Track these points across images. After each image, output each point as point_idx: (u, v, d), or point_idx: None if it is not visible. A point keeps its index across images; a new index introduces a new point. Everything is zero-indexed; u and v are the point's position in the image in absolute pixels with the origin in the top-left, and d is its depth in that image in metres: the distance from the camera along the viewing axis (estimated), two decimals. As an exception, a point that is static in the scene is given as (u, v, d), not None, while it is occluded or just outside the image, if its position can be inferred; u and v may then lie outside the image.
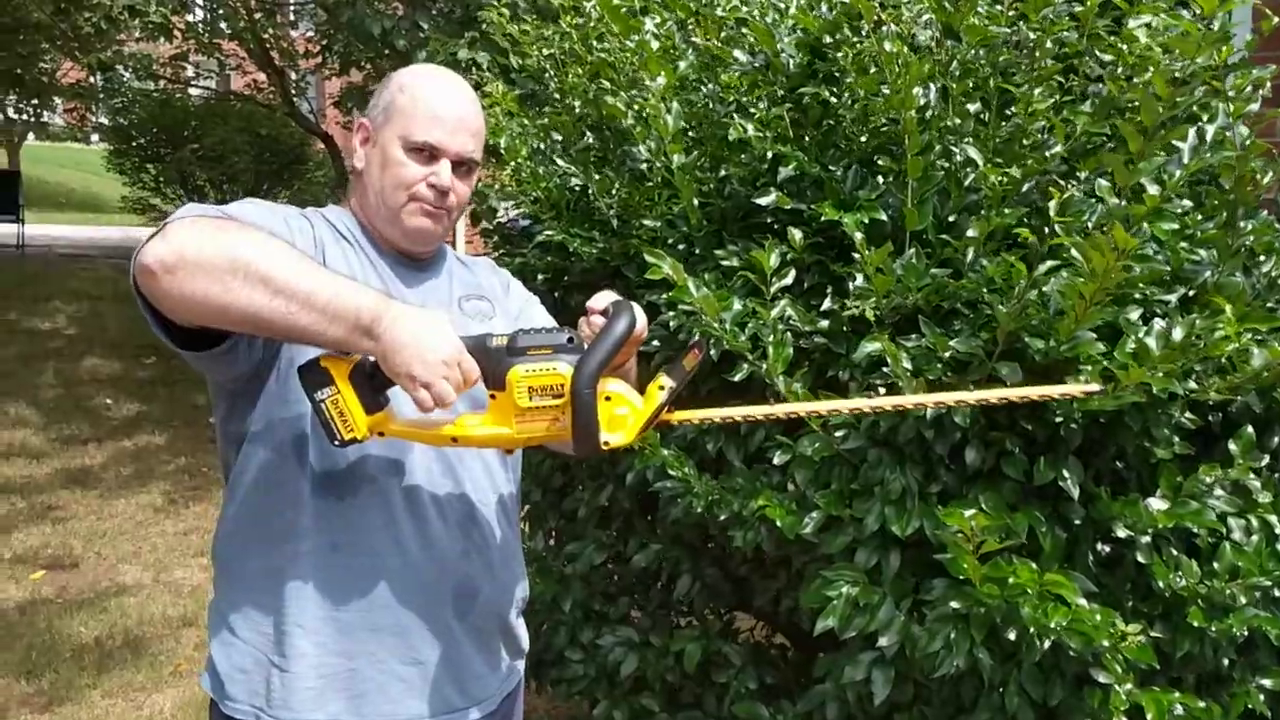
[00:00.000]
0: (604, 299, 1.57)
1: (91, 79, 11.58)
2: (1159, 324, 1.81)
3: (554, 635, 2.58)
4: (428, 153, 1.63)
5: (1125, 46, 1.98)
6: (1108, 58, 2.11)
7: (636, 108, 2.19)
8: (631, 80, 2.28)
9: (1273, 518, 1.93)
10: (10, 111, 15.53)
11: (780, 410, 1.64)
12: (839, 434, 1.92)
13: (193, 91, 12.13)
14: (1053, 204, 1.63)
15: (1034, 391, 1.58)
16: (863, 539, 1.88)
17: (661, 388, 1.51)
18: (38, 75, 11.22)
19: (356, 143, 1.69)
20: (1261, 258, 2.14)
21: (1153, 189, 1.76)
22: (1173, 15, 1.93)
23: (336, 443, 1.47)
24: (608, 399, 1.47)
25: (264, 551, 1.60)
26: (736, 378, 1.93)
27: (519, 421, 1.47)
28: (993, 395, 1.57)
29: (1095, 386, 1.62)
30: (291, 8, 8.64)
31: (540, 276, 2.55)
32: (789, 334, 1.93)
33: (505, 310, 1.81)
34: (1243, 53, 2.21)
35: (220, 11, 8.77)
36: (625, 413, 1.50)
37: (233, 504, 1.65)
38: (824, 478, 1.95)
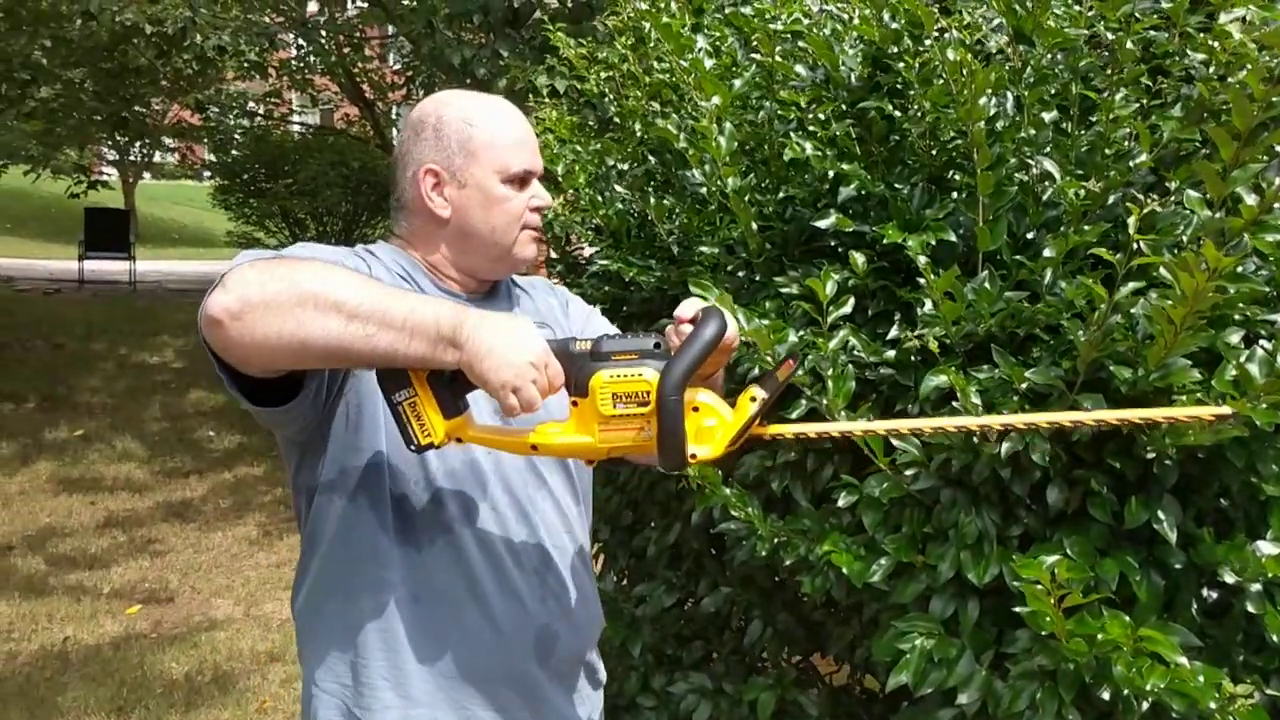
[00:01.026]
0: (692, 306, 1.50)
1: (195, 118, 11.94)
2: (1264, 347, 1.64)
3: (626, 681, 2.48)
4: (521, 179, 1.63)
5: (1217, 43, 1.81)
6: (1200, 57, 1.94)
7: (689, 129, 2.08)
8: (688, 101, 2.18)
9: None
10: (120, 152, 16.14)
11: (880, 427, 1.57)
12: (909, 473, 1.78)
13: (292, 127, 12.42)
14: (1131, 220, 1.47)
15: (1158, 413, 1.43)
16: (937, 587, 1.74)
17: (753, 399, 1.44)
18: (142, 117, 11.62)
19: (426, 190, 1.61)
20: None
21: (1250, 199, 1.59)
22: (1267, 7, 1.75)
23: (413, 447, 1.42)
24: (695, 409, 1.40)
25: (345, 604, 1.58)
26: (794, 414, 1.81)
27: (602, 430, 1.40)
28: (1111, 416, 1.45)
29: (1227, 410, 1.45)
30: (378, 41, 8.76)
31: (598, 307, 2.46)
32: (850, 366, 1.80)
33: (567, 331, 1.76)
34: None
35: (312, 48, 8.95)
36: (714, 424, 1.42)
37: (313, 557, 1.62)
38: (894, 520, 1.81)
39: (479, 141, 1.60)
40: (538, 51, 6.13)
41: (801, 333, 1.87)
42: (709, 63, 2.11)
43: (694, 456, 1.40)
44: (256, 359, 1.37)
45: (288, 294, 1.32)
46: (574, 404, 1.42)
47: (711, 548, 2.41)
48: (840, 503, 1.81)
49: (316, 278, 1.35)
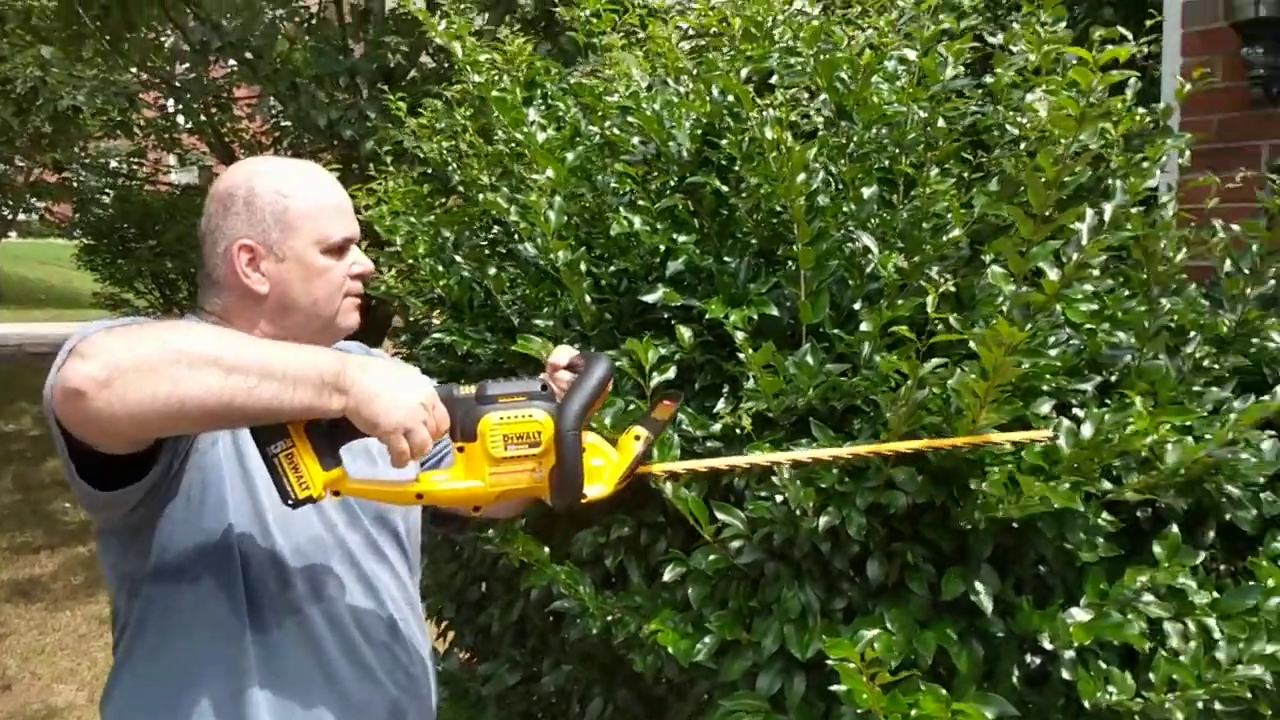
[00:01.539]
0: (565, 353, 1.56)
1: (54, 177, 11.56)
2: (1076, 416, 1.69)
3: (469, 761, 2.41)
4: (340, 248, 1.59)
5: (1026, 120, 1.88)
6: (1016, 133, 2.01)
7: (519, 203, 2.07)
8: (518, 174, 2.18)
9: (1211, 620, 1.78)
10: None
11: (762, 459, 1.60)
12: (734, 545, 1.77)
13: (162, 186, 12.11)
14: (930, 299, 1.50)
15: (980, 439, 1.52)
16: (763, 663, 1.72)
17: (637, 438, 1.48)
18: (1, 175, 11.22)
19: (241, 265, 1.54)
20: (1193, 335, 2.02)
21: (1052, 273, 1.64)
22: (1056, 90, 1.82)
23: (290, 502, 1.36)
24: (583, 449, 1.40)
25: (185, 697, 1.48)
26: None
27: (494, 473, 1.40)
28: (945, 444, 1.55)
29: (1047, 433, 1.57)
30: (246, 101, 8.62)
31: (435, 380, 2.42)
32: (676, 437, 1.79)
33: None
34: (1155, 120, 2.12)
35: (179, 106, 8.76)
36: (601, 464, 1.45)
37: (137, 652, 1.52)
38: (721, 594, 1.80)
39: (295, 213, 1.55)
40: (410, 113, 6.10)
41: (631, 405, 1.86)
42: (542, 135, 2.10)
43: (586, 497, 1.41)
44: (127, 427, 1.27)
45: (160, 354, 1.24)
46: (460, 449, 1.40)
47: (555, 625, 2.37)
48: (666, 577, 1.79)
49: (187, 335, 1.31)
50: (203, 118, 8.47)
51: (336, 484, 1.40)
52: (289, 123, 7.15)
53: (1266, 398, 1.58)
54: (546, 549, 1.87)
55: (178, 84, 8.51)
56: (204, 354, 1.26)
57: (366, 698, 1.57)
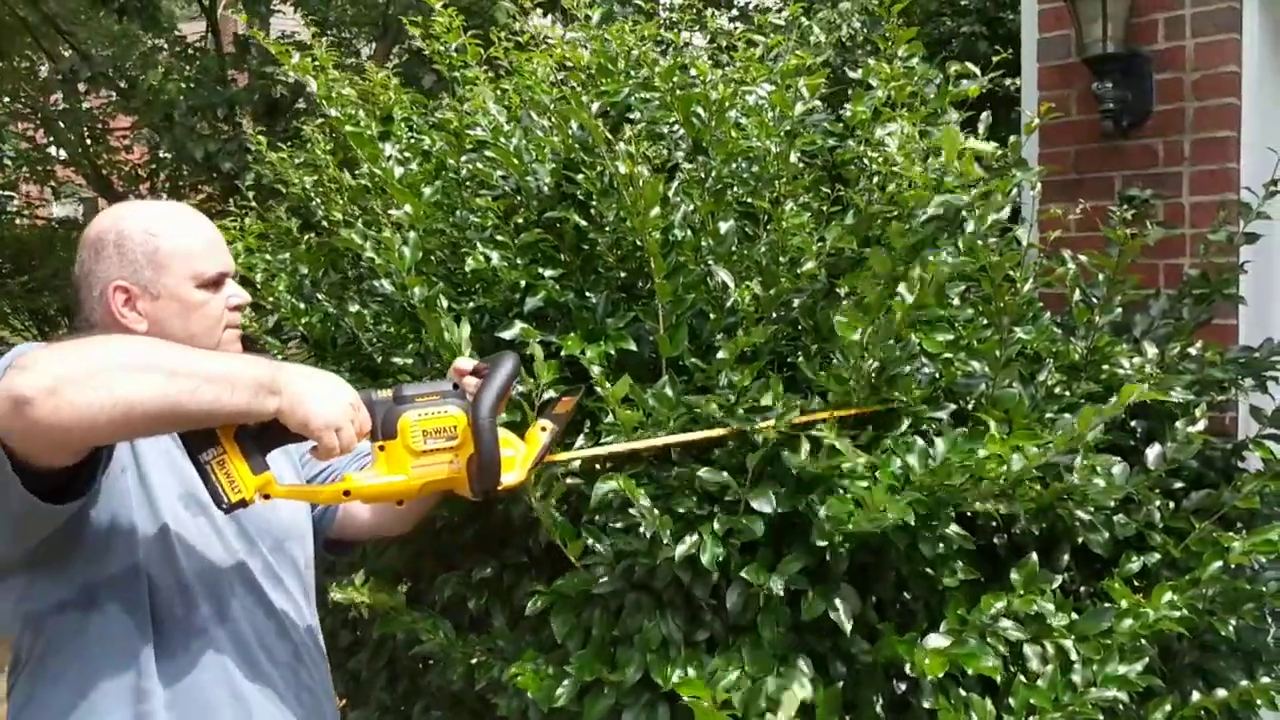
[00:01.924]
0: (468, 362, 1.67)
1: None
2: (931, 439, 1.71)
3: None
4: (215, 281, 1.64)
5: (877, 154, 1.91)
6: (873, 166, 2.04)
7: (374, 238, 2.03)
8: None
9: (1068, 642, 1.81)
10: None
11: (642, 445, 1.70)
12: (598, 571, 1.75)
13: (37, 220, 11.70)
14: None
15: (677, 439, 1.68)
16: (625, 698, 1.69)
17: (544, 429, 1.60)
18: None
19: (117, 307, 1.58)
20: (1047, 361, 2.07)
21: (909, 297, 1.65)
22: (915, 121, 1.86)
23: (224, 506, 1.42)
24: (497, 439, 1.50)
25: None
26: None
27: (416, 467, 1.50)
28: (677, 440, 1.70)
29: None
30: (122, 132, 8.38)
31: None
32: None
33: None
34: (1007, 153, 2.16)
35: (50, 137, 8.48)
36: (512, 454, 1.55)
37: (40, 686, 1.51)
38: (585, 623, 1.77)
39: (166, 251, 1.60)
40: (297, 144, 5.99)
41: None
42: (400, 170, 2.07)
43: (502, 483, 1.50)
44: (76, 433, 1.28)
45: (104, 360, 1.29)
46: (380, 448, 1.50)
47: (423, 668, 2.31)
48: (528, 610, 1.76)
49: (128, 345, 1.37)
50: (79, 149, 8.20)
51: (266, 487, 1.45)
52: (167, 155, 6.96)
53: (1104, 405, 1.61)
54: (404, 593, 1.82)
55: (50, 114, 8.24)
56: (147, 360, 1.32)
57: (273, 717, 1.61)
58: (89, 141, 8.34)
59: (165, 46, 7.56)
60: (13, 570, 1.50)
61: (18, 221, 10.66)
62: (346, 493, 1.51)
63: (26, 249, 10.68)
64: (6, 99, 8.61)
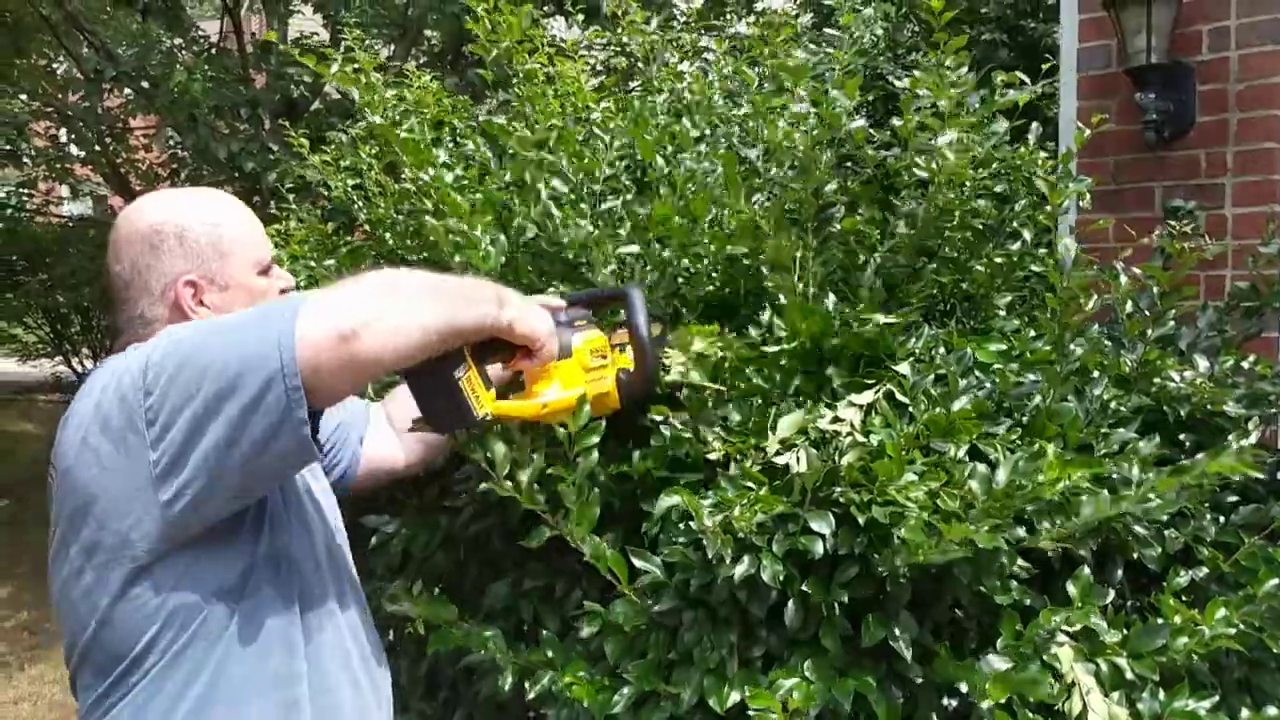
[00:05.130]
0: (557, 300, 1.76)
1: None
2: (989, 461, 1.69)
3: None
4: (268, 267, 1.67)
5: (932, 163, 1.90)
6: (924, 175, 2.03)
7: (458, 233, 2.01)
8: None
9: (1122, 660, 1.79)
10: None
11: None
12: (652, 594, 1.74)
13: (53, 218, 11.71)
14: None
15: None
16: (681, 715, 1.68)
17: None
18: None
19: (186, 302, 1.57)
20: (1095, 374, 2.05)
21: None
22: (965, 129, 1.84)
23: (478, 417, 1.53)
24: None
25: (239, 708, 1.46)
26: (534, 542, 1.74)
27: (589, 380, 1.67)
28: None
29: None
30: (142, 132, 8.39)
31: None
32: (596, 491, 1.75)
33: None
34: (1055, 164, 2.15)
35: (72, 137, 8.49)
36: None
37: (197, 679, 1.44)
38: (640, 647, 1.76)
39: (230, 239, 1.60)
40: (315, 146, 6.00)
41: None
42: (450, 175, 2.07)
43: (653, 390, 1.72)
44: (388, 361, 1.37)
45: (399, 292, 1.39)
46: (554, 367, 1.64)
47: (465, 676, 2.30)
48: (584, 633, 1.75)
49: (403, 275, 1.44)
50: (97, 148, 8.20)
51: (489, 404, 1.56)
52: (188, 154, 6.96)
53: (1178, 464, 1.60)
54: (455, 607, 1.81)
55: (70, 113, 8.25)
56: (426, 286, 1.43)
57: (373, 699, 1.66)
58: (108, 140, 8.34)
59: (186, 46, 7.57)
60: (180, 547, 1.42)
61: (36, 220, 10.65)
62: (544, 405, 1.62)
63: (42, 247, 10.71)
64: (26, 96, 8.62)
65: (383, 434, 1.95)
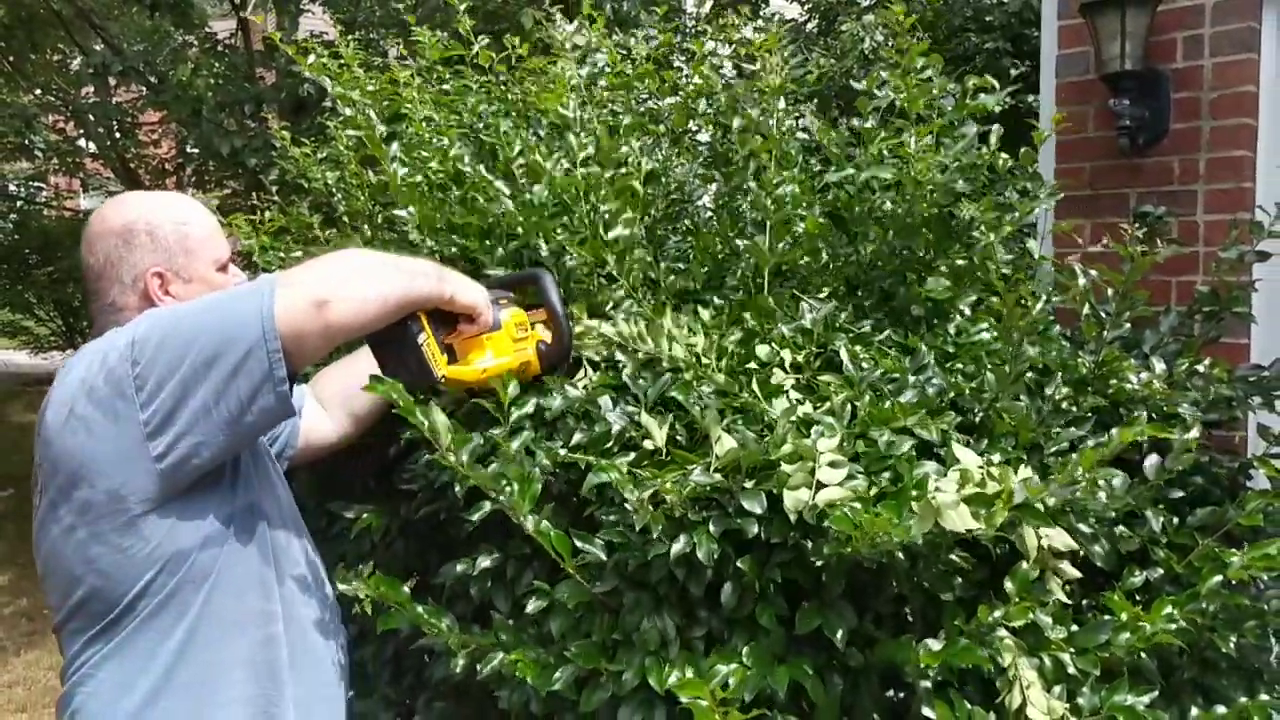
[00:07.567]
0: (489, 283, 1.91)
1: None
2: (931, 461, 1.72)
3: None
4: (225, 265, 1.83)
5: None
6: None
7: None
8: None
9: (1066, 655, 1.80)
10: None
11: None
12: (593, 572, 1.76)
13: (65, 211, 11.78)
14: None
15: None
16: (623, 694, 1.71)
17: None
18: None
19: (154, 291, 1.73)
20: (1058, 376, 2.06)
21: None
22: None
23: (435, 377, 1.75)
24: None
25: (223, 652, 1.65)
26: (475, 515, 1.79)
27: (515, 352, 1.85)
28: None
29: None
30: (150, 127, 8.46)
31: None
32: (537, 470, 1.78)
33: None
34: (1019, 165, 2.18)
35: (82, 131, 8.58)
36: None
37: (173, 618, 1.62)
38: (585, 627, 1.78)
39: (195, 238, 1.77)
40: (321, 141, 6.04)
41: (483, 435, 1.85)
42: (402, 170, 2.13)
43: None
44: (354, 326, 1.60)
45: (364, 265, 1.63)
46: (487, 339, 1.82)
47: (428, 660, 2.33)
48: (529, 609, 1.78)
49: (363, 253, 1.73)
50: (107, 143, 8.28)
51: (443, 366, 1.76)
52: (194, 149, 7.04)
53: (1105, 437, 1.62)
54: (407, 587, 1.84)
55: (81, 107, 8.32)
56: (381, 262, 1.65)
57: (335, 643, 1.89)
58: (118, 135, 8.42)
59: (195, 43, 7.65)
60: (168, 499, 1.58)
61: (45, 213, 10.74)
62: (484, 370, 1.79)
63: (53, 240, 10.79)
64: (38, 91, 8.71)
65: (314, 411, 2.12)
